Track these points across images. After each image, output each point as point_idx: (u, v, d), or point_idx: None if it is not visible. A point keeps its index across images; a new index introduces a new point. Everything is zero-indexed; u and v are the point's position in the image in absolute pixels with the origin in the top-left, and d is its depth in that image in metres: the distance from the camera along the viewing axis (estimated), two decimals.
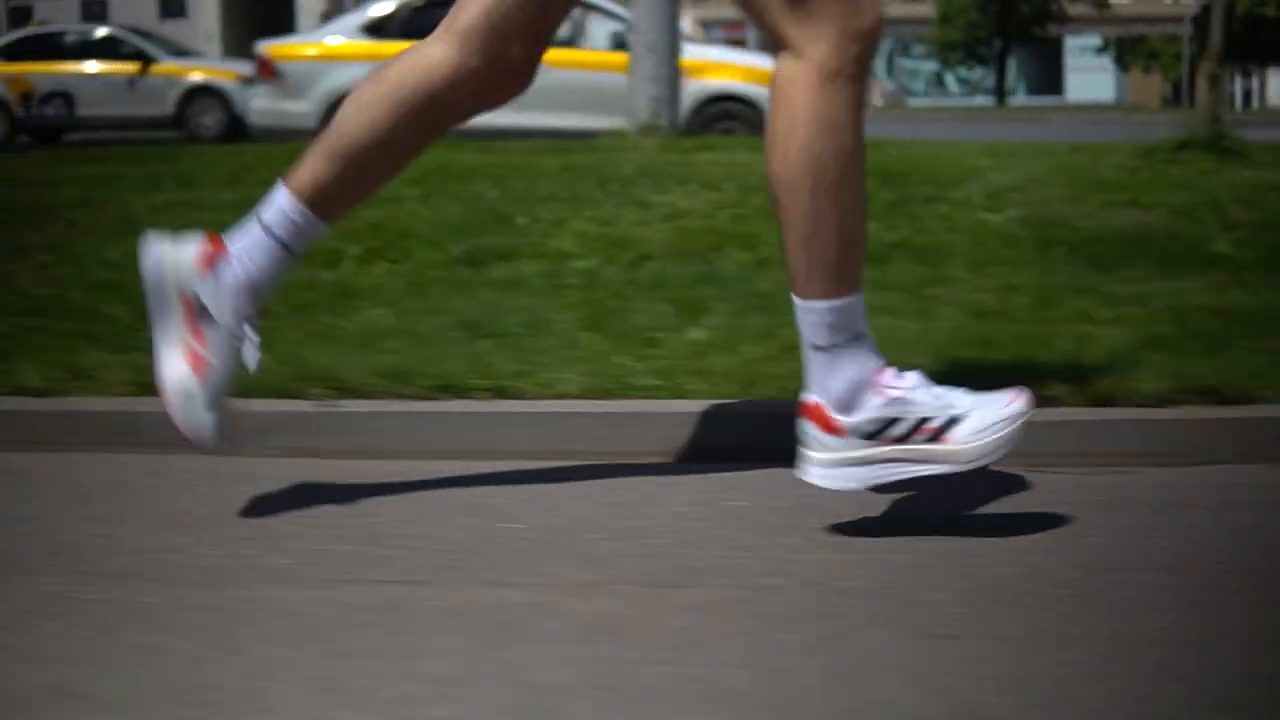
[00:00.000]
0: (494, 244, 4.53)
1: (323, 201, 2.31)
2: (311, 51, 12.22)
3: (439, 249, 4.51)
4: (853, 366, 2.12)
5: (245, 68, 18.52)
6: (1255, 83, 41.84)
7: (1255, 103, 41.28)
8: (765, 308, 3.58)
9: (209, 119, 17.48)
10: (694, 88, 11.29)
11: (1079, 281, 3.95)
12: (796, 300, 2.15)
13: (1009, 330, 3.32)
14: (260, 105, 12.23)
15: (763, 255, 4.33)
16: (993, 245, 4.44)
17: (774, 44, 2.11)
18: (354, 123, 2.29)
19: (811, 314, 2.13)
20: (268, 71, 12.15)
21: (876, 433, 2.12)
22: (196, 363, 2.27)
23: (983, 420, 2.11)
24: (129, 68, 17.61)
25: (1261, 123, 24.81)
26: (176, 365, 2.28)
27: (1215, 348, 3.13)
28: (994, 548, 2.16)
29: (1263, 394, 2.75)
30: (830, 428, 2.14)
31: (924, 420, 2.11)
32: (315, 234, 2.34)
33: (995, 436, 2.10)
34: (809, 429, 2.17)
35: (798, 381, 2.84)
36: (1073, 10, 37.88)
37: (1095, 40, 43.25)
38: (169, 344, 2.30)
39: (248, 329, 2.29)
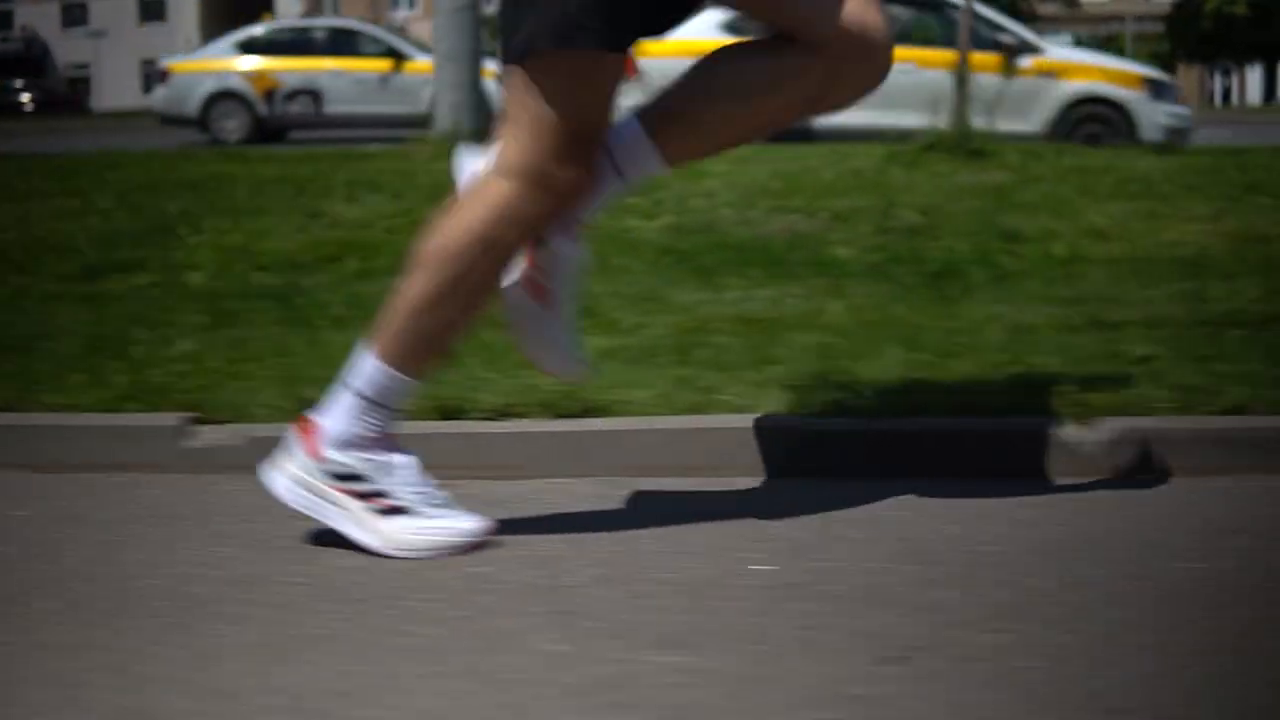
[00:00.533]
0: (130, 257, 4.56)
1: (665, 142, 2.26)
2: (675, 48, 11.75)
3: (76, 262, 4.55)
4: (364, 425, 2.19)
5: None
6: (1235, 80, 41.58)
7: (1235, 100, 41.04)
8: (289, 320, 3.61)
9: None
10: (1060, 90, 11.37)
11: (651, 291, 3.97)
12: (364, 344, 2.21)
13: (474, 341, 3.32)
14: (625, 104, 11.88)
15: (372, 266, 4.36)
16: (608, 253, 4.44)
17: (497, 138, 2.19)
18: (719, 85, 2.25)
19: (369, 364, 2.19)
20: (629, 69, 11.78)
21: (341, 477, 2.20)
22: (536, 289, 2.25)
23: (429, 524, 2.19)
24: (381, 64, 16.83)
25: (1225, 121, 24.71)
26: (517, 295, 2.25)
27: (665, 362, 3.13)
28: (205, 563, 2.18)
29: (617, 408, 2.75)
30: (313, 451, 2.21)
31: (382, 494, 2.19)
32: (651, 169, 2.26)
33: (423, 538, 2.18)
34: (294, 440, 2.24)
35: (189, 395, 2.88)
36: (1043, 10, 37.71)
37: (1066, 40, 43.03)
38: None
39: (569, 242, 2.24)
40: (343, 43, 17.34)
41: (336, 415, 2.21)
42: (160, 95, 17.11)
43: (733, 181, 5.76)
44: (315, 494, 2.22)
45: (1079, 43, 45.58)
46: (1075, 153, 6.97)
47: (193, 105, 16.65)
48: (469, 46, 8.23)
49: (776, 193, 5.47)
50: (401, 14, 48.39)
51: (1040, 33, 19.45)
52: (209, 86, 16.60)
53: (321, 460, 2.21)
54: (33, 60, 39.86)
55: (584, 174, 2.18)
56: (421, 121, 16.25)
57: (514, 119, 2.17)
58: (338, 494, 2.20)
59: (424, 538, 2.18)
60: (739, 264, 4.34)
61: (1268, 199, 5.47)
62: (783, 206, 5.15)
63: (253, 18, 47.24)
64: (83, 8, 45.20)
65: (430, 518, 2.20)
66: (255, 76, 16.77)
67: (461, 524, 2.20)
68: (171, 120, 16.81)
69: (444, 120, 8.19)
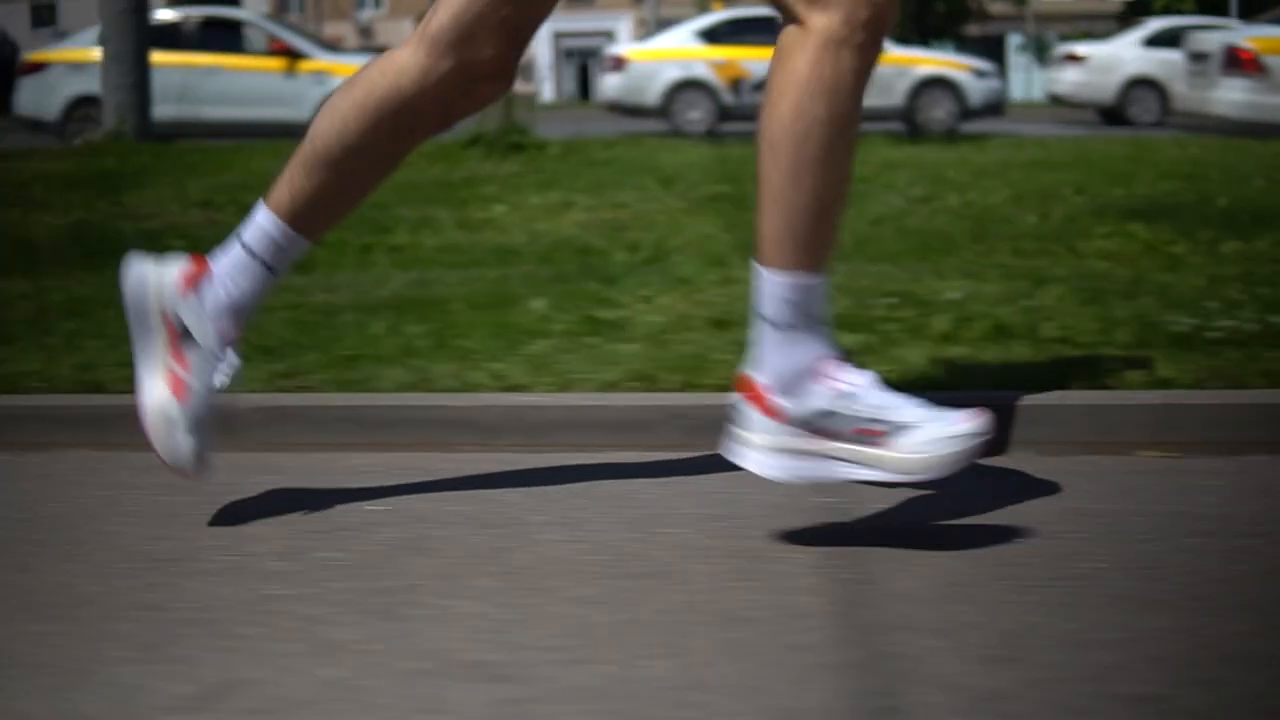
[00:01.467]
0: None
1: (304, 217, 2.17)
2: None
3: None
4: (803, 350, 1.98)
5: (974, 60, 17.24)
6: None
7: None
8: None
9: (940, 111, 16.43)
10: None
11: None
12: (759, 268, 2.01)
13: None
14: (1239, 99, 11.72)
15: None
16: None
17: (783, 17, 1.98)
18: (328, 131, 2.15)
19: (772, 285, 1.99)
20: (1252, 65, 11.69)
21: (812, 425, 1.99)
22: (178, 386, 2.17)
23: (931, 434, 1.95)
24: None
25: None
26: (157, 389, 2.17)
27: None
28: None
29: None
30: (769, 411, 2.00)
31: (870, 421, 1.97)
32: (298, 251, 2.20)
33: (942, 452, 1.95)
34: (747, 409, 2.02)
35: None
36: (993, 9, 37.58)
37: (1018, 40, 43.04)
38: (150, 367, 2.19)
39: (228, 352, 2.19)
40: None
41: (771, 360, 1.99)
42: (614, 84, 16.30)
43: (226, 178, 5.91)
44: (801, 455, 2.00)
45: (1027, 43, 45.57)
46: (610, 147, 7.07)
47: (654, 95, 16.06)
48: (134, 48, 8.39)
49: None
50: (367, 14, 48.69)
51: (1009, 32, 19.68)
52: (672, 75, 15.92)
53: (785, 418, 1.99)
54: (2, 59, 40.35)
55: None
56: (896, 115, 15.97)
57: None
58: (823, 443, 1.98)
59: (935, 451, 1.94)
60: (76, 255, 4.46)
61: (727, 188, 5.56)
62: (215, 201, 5.28)
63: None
64: (51, 8, 45.90)
65: (925, 426, 1.95)
66: (722, 66, 16.05)
67: (959, 425, 1.95)
68: (628, 110, 16.12)
69: (109, 119, 8.37)
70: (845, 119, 1.95)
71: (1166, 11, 34.38)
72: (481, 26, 2.11)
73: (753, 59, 16.02)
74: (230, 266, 2.18)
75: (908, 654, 1.67)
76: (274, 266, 2.19)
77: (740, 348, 3.04)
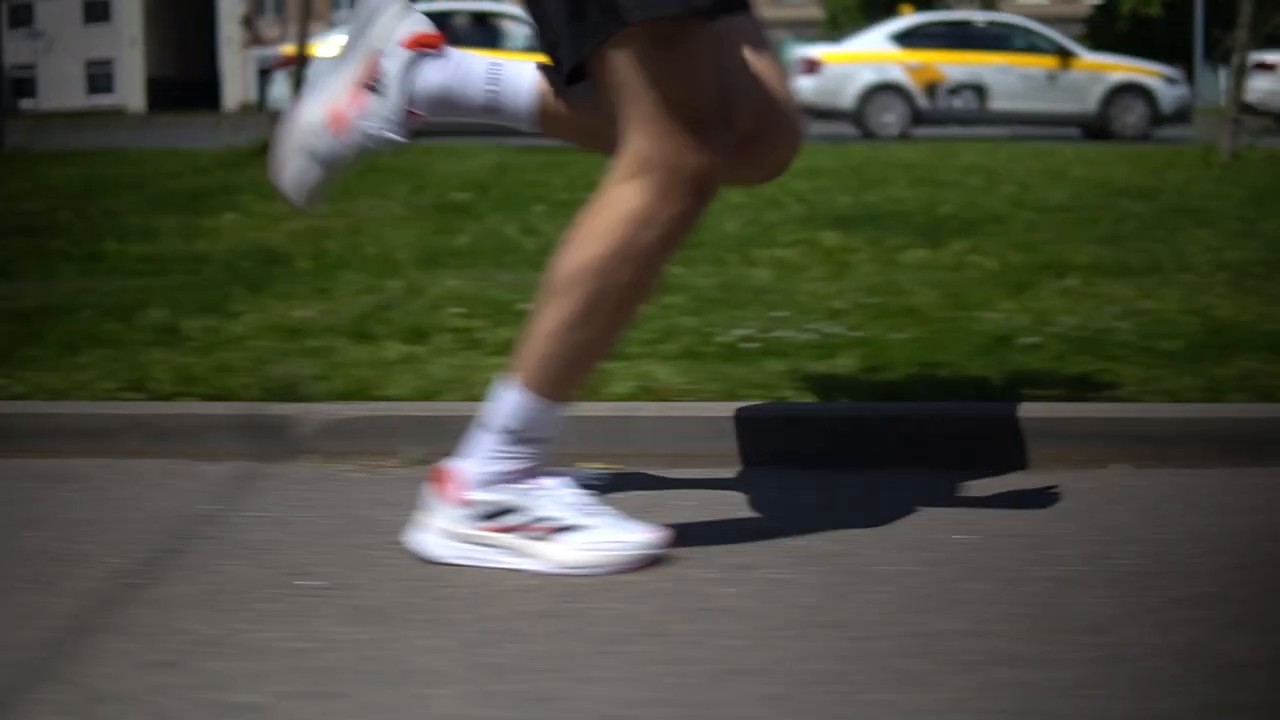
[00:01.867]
0: None
1: (546, 110, 2.16)
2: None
3: None
4: (513, 461, 2.07)
5: (1164, 67, 17.14)
6: None
7: None
8: None
9: (1133, 117, 16.46)
10: None
11: None
12: (507, 375, 2.07)
13: None
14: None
15: None
16: None
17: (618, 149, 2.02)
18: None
19: (510, 397, 2.06)
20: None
21: (491, 515, 2.08)
22: (339, 120, 2.12)
23: (601, 536, 2.06)
24: (1048, 61, 16.40)
25: None
26: (319, 110, 2.13)
27: None
28: None
29: None
30: (458, 499, 2.08)
31: (541, 519, 2.06)
32: (497, 114, 2.17)
33: (603, 553, 2.05)
34: (434, 494, 2.11)
35: None
36: (962, 11, 37.46)
37: None
38: (326, 86, 2.14)
39: (401, 124, 2.14)
40: (1006, 37, 16.77)
41: (478, 457, 2.08)
42: (808, 86, 15.87)
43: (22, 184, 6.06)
44: (468, 542, 2.08)
45: None
46: (400, 155, 7.19)
47: (848, 98, 15.96)
48: None
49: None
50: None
51: None
52: (867, 78, 15.83)
53: (467, 505, 2.07)
54: None
55: (720, 158, 2.02)
56: (1087, 121, 16.21)
57: (624, 114, 1.99)
58: (491, 534, 2.07)
59: (593, 552, 2.04)
60: None
61: (467, 196, 5.68)
62: None
63: (194, 18, 46.24)
64: (29, 8, 46.29)
65: (597, 530, 2.06)
66: (918, 69, 16.03)
67: (634, 537, 2.07)
68: (821, 113, 15.79)
69: None
70: (646, 287, 2.04)
71: (1133, 15, 34.53)
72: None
73: (948, 62, 16.09)
74: (465, 65, 2.14)
75: (92, 654, 1.79)
76: (488, 106, 2.15)
77: (286, 355, 3.17)
